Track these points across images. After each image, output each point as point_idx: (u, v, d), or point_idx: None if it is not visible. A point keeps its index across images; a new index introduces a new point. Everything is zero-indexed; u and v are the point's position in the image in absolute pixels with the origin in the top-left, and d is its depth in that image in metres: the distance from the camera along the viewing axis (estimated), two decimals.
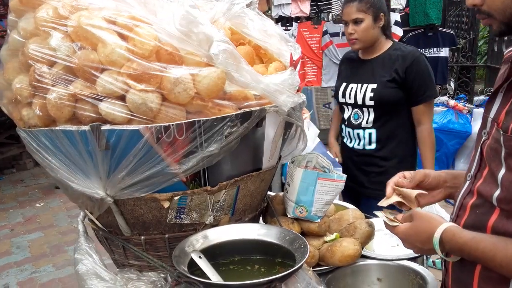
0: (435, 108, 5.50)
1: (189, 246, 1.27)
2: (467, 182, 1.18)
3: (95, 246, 1.49)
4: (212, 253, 1.30)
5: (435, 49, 7.08)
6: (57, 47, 1.16)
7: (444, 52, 7.09)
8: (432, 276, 1.37)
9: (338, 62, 3.97)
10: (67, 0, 1.18)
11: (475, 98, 5.61)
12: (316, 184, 1.50)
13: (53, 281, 4.03)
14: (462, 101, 5.67)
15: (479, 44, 8.34)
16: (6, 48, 1.32)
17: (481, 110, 5.30)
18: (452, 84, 7.67)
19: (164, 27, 1.20)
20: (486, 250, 1.00)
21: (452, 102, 5.45)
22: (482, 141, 1.11)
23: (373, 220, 1.59)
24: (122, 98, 1.19)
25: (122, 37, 1.17)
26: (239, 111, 1.25)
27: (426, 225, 1.13)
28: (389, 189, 1.28)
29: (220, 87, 1.22)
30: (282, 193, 1.67)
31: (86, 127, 1.17)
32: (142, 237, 1.37)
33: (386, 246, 1.64)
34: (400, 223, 1.21)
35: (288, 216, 1.55)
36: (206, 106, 1.25)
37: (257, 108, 1.28)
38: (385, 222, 1.25)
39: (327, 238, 1.53)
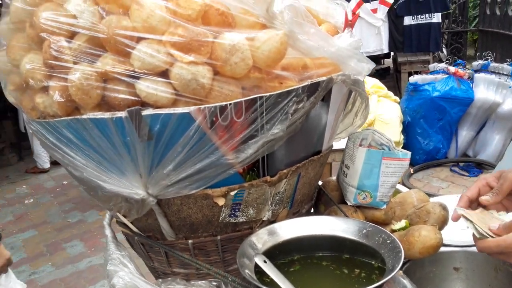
0: (436, 76, 5.35)
1: (252, 248, 1.06)
2: None
3: (128, 254, 1.26)
4: (277, 253, 1.09)
5: (427, 15, 6.91)
6: (78, 13, 0.91)
7: (437, 17, 6.92)
8: None
9: None
10: None
11: (474, 63, 5.45)
12: (381, 165, 1.29)
13: (54, 282, 3.80)
14: (461, 67, 5.51)
15: None
16: (8, 22, 1.05)
17: (483, 75, 5.19)
18: (444, 50, 7.53)
19: None
20: None
21: (452, 69, 5.29)
22: None
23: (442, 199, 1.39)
24: (163, 74, 0.95)
25: None
26: (305, 83, 1.02)
27: None
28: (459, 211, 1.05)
29: (283, 54, 0.99)
30: (334, 177, 1.46)
31: (122, 114, 0.92)
32: (190, 241, 1.15)
33: (454, 229, 1.45)
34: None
35: (349, 203, 1.35)
36: (263, 79, 1.02)
37: (324, 78, 1.05)
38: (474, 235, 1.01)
39: (396, 227, 1.33)
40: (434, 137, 5.19)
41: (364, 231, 1.10)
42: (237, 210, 1.12)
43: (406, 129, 5.29)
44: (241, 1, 0.96)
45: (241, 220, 1.14)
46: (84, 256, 4.10)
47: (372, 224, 1.11)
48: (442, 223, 1.31)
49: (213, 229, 1.14)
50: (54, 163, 6.30)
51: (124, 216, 1.17)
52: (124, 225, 1.23)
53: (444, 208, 1.32)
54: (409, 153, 1.34)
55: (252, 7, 0.96)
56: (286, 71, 1.04)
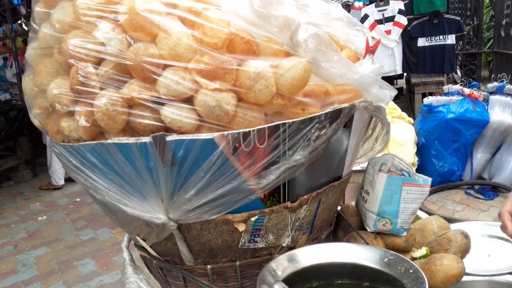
0: (451, 97, 5.32)
1: (271, 275, 1.05)
2: None
3: (146, 277, 1.26)
4: (296, 280, 1.08)
5: (441, 37, 6.90)
6: (106, 40, 0.93)
7: (451, 39, 6.91)
8: None
9: None
10: None
11: (489, 85, 5.40)
12: (401, 192, 1.28)
13: None
14: (475, 88, 5.47)
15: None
16: (36, 47, 1.07)
17: (498, 97, 5.14)
18: (458, 72, 7.50)
19: (235, 10, 0.96)
20: None
21: (467, 91, 5.25)
22: None
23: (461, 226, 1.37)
24: (187, 100, 0.96)
25: (187, 24, 0.94)
26: (328, 110, 1.02)
27: None
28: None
29: (306, 81, 1.00)
30: (353, 203, 1.45)
31: (147, 139, 0.93)
32: (209, 266, 1.14)
33: (476, 258, 1.43)
34: None
35: (368, 230, 1.33)
36: (286, 106, 1.02)
37: (347, 104, 1.05)
38: None
39: (416, 254, 1.31)
40: (448, 159, 5.13)
41: (386, 259, 1.09)
42: (257, 235, 1.11)
43: (421, 150, 5.24)
44: (265, 29, 0.97)
45: (260, 246, 1.13)
46: (95, 274, 4.09)
47: (394, 252, 1.09)
48: (464, 252, 1.28)
49: (232, 254, 1.14)
50: (68, 180, 6.35)
51: (143, 240, 1.17)
52: (142, 248, 1.23)
53: (466, 236, 1.30)
54: (429, 179, 1.33)
55: (276, 35, 0.97)
56: (308, 98, 1.05)
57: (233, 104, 0.95)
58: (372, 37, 1.36)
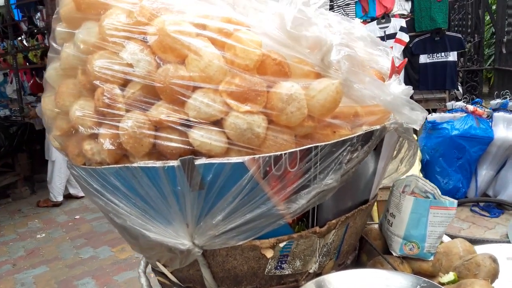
0: (454, 114, 5.32)
1: None
2: None
3: None
4: None
5: (443, 54, 6.93)
6: (135, 61, 0.90)
7: (452, 56, 6.94)
8: None
9: None
10: (145, 2, 0.91)
11: (493, 102, 5.41)
12: (428, 215, 1.24)
13: None
14: (479, 105, 5.47)
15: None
16: (57, 67, 1.04)
17: (502, 114, 5.14)
18: (460, 88, 7.52)
19: (266, 31, 0.94)
20: None
21: (471, 107, 5.25)
22: None
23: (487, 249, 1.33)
24: (216, 123, 0.92)
25: (217, 45, 0.91)
26: (360, 132, 0.99)
27: None
28: None
29: (338, 103, 0.97)
30: (377, 225, 1.41)
31: (174, 163, 0.90)
32: None
33: (502, 282, 1.38)
34: None
35: (394, 254, 1.29)
36: (316, 128, 0.99)
37: (378, 126, 1.02)
38: None
39: (444, 280, 1.26)
40: (453, 176, 5.10)
41: (418, 286, 1.05)
42: (284, 262, 1.07)
43: (425, 167, 5.22)
44: (296, 50, 0.94)
45: (287, 272, 1.09)
46: None
47: (427, 279, 1.05)
48: (493, 276, 1.25)
49: (258, 281, 1.09)
50: (67, 197, 6.28)
51: (164, 266, 1.13)
52: (162, 274, 1.18)
53: (494, 260, 1.26)
54: (455, 201, 1.30)
55: (307, 56, 0.95)
56: (337, 119, 1.02)
57: (264, 127, 0.92)
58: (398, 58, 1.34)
